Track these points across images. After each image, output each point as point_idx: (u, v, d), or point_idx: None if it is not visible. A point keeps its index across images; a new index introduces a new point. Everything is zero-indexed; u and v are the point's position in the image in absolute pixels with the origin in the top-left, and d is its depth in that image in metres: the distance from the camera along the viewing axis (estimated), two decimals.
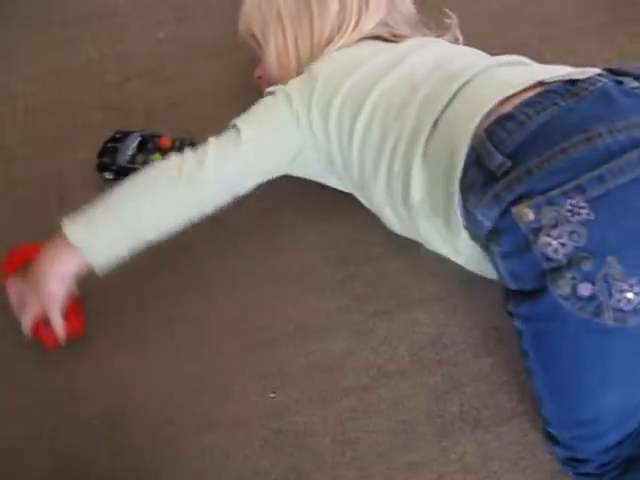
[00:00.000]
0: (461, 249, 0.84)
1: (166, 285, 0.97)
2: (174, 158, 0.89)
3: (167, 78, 1.24)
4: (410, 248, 0.95)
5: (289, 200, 1.04)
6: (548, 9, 1.24)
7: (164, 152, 1.05)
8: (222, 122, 1.11)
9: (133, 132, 1.10)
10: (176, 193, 0.87)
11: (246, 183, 0.91)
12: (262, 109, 0.94)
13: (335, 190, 1.00)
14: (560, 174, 0.70)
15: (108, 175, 1.09)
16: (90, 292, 0.92)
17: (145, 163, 1.05)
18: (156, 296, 0.96)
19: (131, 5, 1.38)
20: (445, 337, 0.89)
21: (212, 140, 0.90)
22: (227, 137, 0.91)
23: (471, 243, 0.81)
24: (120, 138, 1.10)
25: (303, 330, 0.92)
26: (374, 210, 0.96)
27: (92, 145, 1.12)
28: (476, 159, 0.75)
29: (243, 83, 1.19)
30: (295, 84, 0.95)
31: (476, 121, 0.76)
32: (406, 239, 0.95)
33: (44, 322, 0.86)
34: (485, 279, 0.88)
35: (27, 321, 0.86)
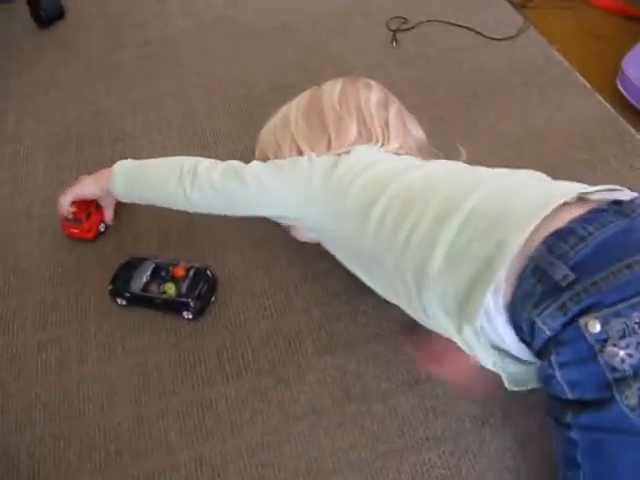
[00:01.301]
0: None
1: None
2: (201, 159, 1.07)
3: None
4: (417, 383, 0.97)
5: (292, 332, 1.05)
6: (554, 143, 1.29)
7: (177, 281, 1.07)
8: (234, 250, 1.15)
9: (147, 259, 1.12)
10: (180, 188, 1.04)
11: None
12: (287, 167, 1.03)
13: (335, 321, 1.04)
14: (627, 287, 0.72)
15: (121, 301, 1.10)
16: None
17: (158, 292, 1.07)
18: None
19: (147, 130, 1.44)
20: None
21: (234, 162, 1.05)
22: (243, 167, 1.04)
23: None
24: (134, 264, 1.12)
25: (314, 469, 0.91)
26: (364, 275, 0.99)
27: (106, 269, 1.15)
28: (535, 268, 0.77)
29: None
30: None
31: (530, 229, 0.78)
32: (408, 371, 0.97)
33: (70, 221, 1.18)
34: (497, 419, 0.89)
35: (62, 200, 1.15)
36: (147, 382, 1.02)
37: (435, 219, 0.86)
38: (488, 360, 0.84)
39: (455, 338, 0.86)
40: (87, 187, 1.16)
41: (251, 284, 1.12)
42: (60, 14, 1.85)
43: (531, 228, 0.77)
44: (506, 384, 0.85)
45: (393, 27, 1.61)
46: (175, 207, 1.09)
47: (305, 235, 1.11)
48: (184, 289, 1.06)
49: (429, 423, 0.93)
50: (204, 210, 1.08)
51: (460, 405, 0.94)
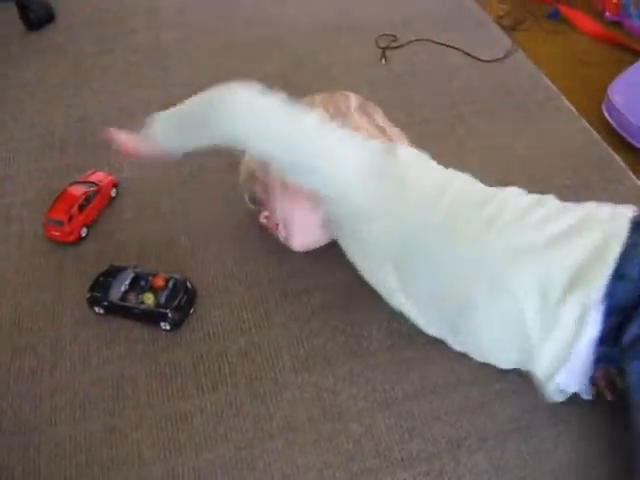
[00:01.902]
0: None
1: None
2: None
3: (163, 214, 1.26)
4: (393, 402, 0.96)
5: (270, 348, 1.05)
6: (538, 167, 1.30)
7: (156, 291, 1.06)
8: (214, 263, 1.14)
9: (127, 268, 1.11)
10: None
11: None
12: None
13: (314, 338, 1.03)
14: None
15: (98, 310, 1.09)
16: None
17: (136, 302, 1.06)
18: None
19: None
20: None
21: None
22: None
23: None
24: (114, 273, 1.11)
25: None
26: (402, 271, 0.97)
27: (85, 276, 1.14)
28: None
29: (238, 225, 1.22)
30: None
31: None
32: (385, 391, 0.97)
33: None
34: (473, 441, 0.89)
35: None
36: (121, 393, 1.01)
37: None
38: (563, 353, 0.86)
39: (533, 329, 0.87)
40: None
41: (231, 298, 1.11)
42: (50, 17, 1.84)
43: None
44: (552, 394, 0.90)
45: (382, 44, 1.62)
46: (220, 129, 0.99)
47: (311, 238, 1.11)
48: (163, 300, 1.05)
49: (405, 443, 0.93)
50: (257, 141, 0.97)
51: (436, 426, 0.94)
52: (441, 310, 0.96)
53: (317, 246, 1.13)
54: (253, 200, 1.17)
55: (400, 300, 1.00)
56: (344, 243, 1.05)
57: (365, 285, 1.09)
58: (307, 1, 1.83)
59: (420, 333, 1.03)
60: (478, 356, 0.98)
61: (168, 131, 1.04)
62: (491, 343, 0.94)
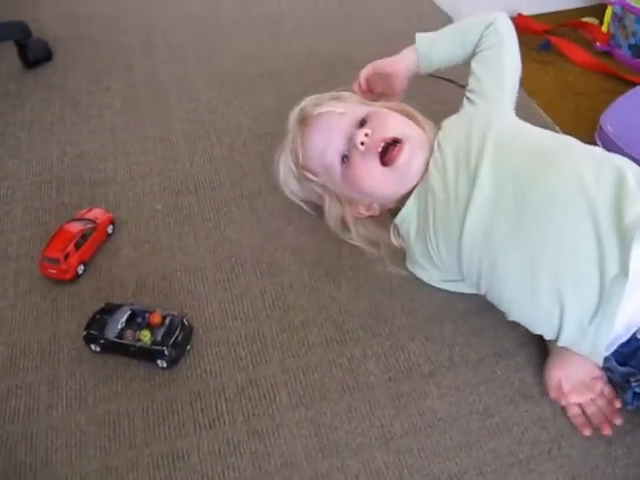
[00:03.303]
0: None
1: None
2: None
3: (159, 250, 1.26)
4: (392, 438, 0.96)
5: (267, 384, 1.04)
6: None
7: (153, 328, 1.06)
8: (211, 301, 1.14)
9: (123, 305, 1.11)
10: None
11: None
12: None
13: (311, 373, 1.04)
14: None
15: (95, 347, 1.08)
16: None
17: (133, 339, 1.05)
18: None
19: (128, 174, 1.44)
20: None
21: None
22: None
23: None
24: (110, 310, 1.11)
25: None
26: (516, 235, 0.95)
27: (81, 313, 1.14)
28: None
29: (235, 261, 1.22)
30: None
31: None
32: (383, 426, 0.96)
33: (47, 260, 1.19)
34: (472, 476, 0.88)
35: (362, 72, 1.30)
36: (118, 431, 1.00)
37: None
38: None
39: None
40: (388, 62, 1.27)
41: (227, 334, 1.10)
42: (48, 56, 1.85)
43: None
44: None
45: None
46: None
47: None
48: (159, 337, 1.05)
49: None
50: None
51: (435, 462, 0.93)
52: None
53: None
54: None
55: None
56: None
57: (361, 319, 1.10)
58: (303, 35, 1.86)
59: (417, 367, 1.03)
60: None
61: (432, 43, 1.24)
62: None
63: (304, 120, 1.18)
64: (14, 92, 1.75)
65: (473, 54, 1.21)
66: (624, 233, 0.86)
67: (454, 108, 1.17)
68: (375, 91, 1.29)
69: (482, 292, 1.03)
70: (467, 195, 0.99)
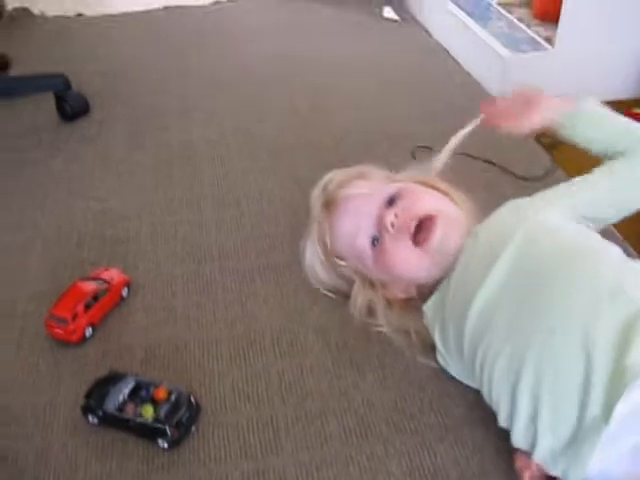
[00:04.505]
0: None
1: None
2: None
3: (174, 318, 1.18)
4: None
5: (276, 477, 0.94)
6: None
7: (157, 403, 0.97)
8: (224, 379, 1.06)
9: (128, 376, 1.02)
10: None
11: None
12: None
13: (325, 469, 0.93)
14: None
15: (92, 419, 0.99)
16: None
17: (134, 413, 0.96)
18: None
19: (151, 235, 1.38)
20: None
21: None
22: None
23: None
24: (113, 379, 1.02)
25: None
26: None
27: (83, 380, 1.05)
28: None
29: (254, 338, 1.14)
30: None
31: None
32: None
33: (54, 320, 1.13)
34: None
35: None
36: None
37: None
38: None
39: None
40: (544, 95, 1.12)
41: (237, 418, 1.01)
42: (85, 110, 1.84)
43: None
44: None
45: (418, 157, 1.57)
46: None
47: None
48: (162, 414, 0.96)
49: None
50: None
51: None
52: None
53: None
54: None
55: None
56: None
57: (385, 412, 1.00)
58: (341, 108, 1.82)
59: (444, 472, 0.92)
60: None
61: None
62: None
63: (329, 204, 1.12)
64: (47, 143, 1.73)
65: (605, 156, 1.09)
66: (619, 375, 0.79)
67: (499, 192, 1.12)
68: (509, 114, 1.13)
69: (481, 387, 0.97)
70: (481, 278, 0.94)
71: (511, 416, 0.89)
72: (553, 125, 1.10)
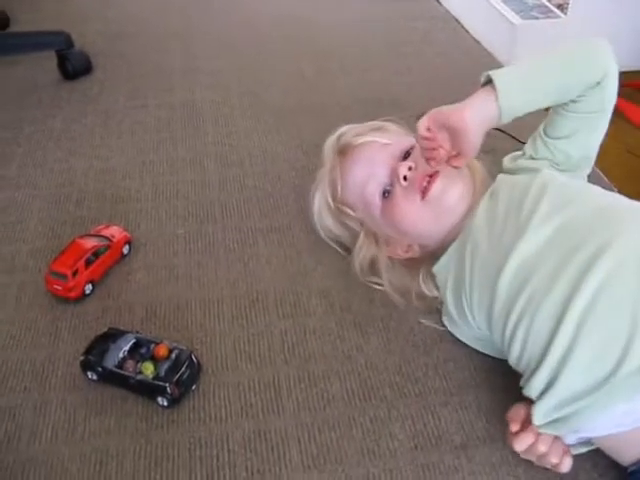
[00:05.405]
0: None
1: None
2: None
3: (175, 277, 1.16)
4: None
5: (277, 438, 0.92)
6: None
7: (157, 361, 0.95)
8: (226, 338, 1.04)
9: (128, 332, 1.00)
10: None
11: None
12: None
13: (327, 431, 0.91)
14: None
15: (91, 375, 0.98)
16: None
17: (133, 371, 0.95)
18: None
19: (153, 194, 1.35)
20: None
21: None
22: None
23: None
24: (113, 336, 1.00)
25: None
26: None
27: (82, 337, 1.04)
28: None
29: (257, 297, 1.12)
30: None
31: None
32: None
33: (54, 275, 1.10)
34: None
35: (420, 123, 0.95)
36: (104, 473, 0.88)
37: None
38: None
39: None
40: (455, 112, 0.91)
41: (239, 377, 0.99)
42: (87, 69, 1.81)
43: None
44: None
45: None
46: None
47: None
48: (163, 372, 0.94)
49: None
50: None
51: None
52: None
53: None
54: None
55: None
56: None
57: (389, 375, 0.98)
58: (347, 72, 1.79)
59: (448, 436, 0.91)
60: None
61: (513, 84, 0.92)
62: None
63: (344, 150, 1.10)
64: (48, 102, 1.69)
65: (564, 106, 0.98)
66: None
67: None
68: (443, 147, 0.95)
69: (505, 346, 0.92)
70: (512, 243, 0.90)
71: (542, 356, 0.84)
72: (495, 124, 0.93)
